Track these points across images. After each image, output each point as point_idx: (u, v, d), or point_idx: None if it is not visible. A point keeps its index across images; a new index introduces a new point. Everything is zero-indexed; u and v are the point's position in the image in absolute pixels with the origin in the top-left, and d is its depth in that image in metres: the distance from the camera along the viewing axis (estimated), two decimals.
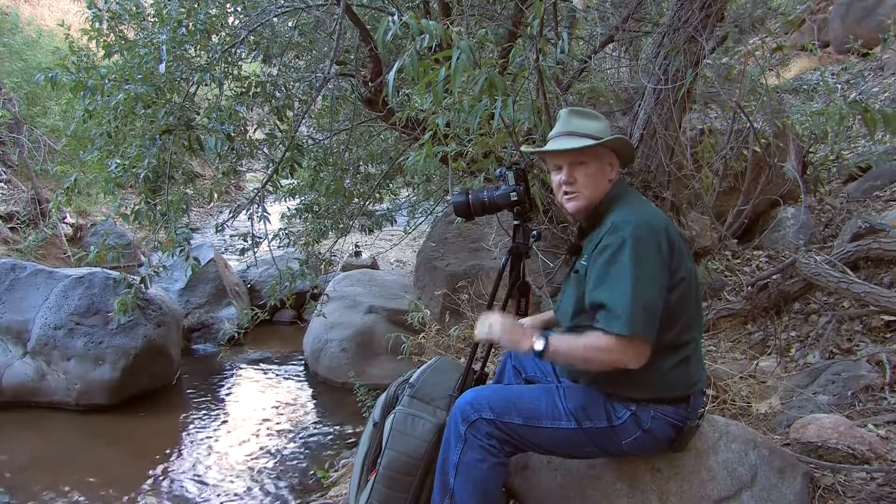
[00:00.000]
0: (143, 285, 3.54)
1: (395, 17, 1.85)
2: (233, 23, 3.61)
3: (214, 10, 3.31)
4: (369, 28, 3.46)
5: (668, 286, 1.58)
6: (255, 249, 3.85)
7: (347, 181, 4.42)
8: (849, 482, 1.94)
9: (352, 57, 3.76)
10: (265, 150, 3.80)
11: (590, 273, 1.61)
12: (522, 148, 1.88)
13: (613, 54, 4.79)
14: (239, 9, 3.63)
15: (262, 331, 5.69)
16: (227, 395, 4.91)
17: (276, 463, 3.86)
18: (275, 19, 3.66)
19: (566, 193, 1.72)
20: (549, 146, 1.74)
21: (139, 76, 3.02)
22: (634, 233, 1.54)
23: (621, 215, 1.61)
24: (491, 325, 1.68)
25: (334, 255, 6.15)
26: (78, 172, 3.56)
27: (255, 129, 4.08)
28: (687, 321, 1.64)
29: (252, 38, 3.57)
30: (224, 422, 4.42)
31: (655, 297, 1.54)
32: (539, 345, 1.59)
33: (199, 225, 9.99)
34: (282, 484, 3.62)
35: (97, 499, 3.43)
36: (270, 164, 3.72)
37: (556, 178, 1.74)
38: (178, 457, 3.90)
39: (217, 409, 4.61)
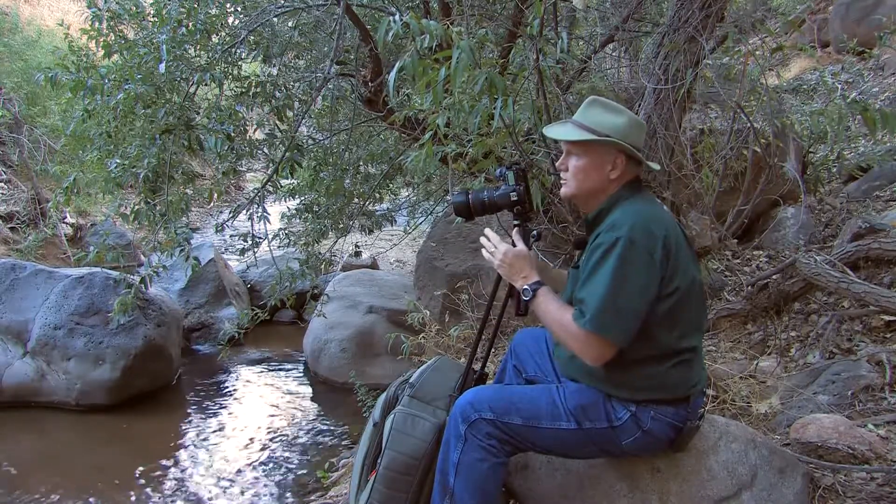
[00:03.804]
0: (142, 285, 3.53)
1: (396, 17, 1.85)
2: (233, 23, 3.60)
3: (214, 10, 3.31)
4: (369, 28, 3.45)
5: (660, 294, 1.56)
6: (255, 249, 3.84)
7: (347, 181, 4.41)
8: (849, 482, 1.94)
9: (352, 57, 3.76)
10: (265, 150, 3.79)
11: (582, 270, 1.62)
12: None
13: (613, 54, 4.79)
14: (239, 9, 3.62)
15: (262, 331, 5.69)
16: (226, 395, 4.90)
17: (276, 463, 3.86)
18: (275, 19, 3.65)
19: (560, 177, 1.77)
20: (552, 129, 1.78)
21: (139, 76, 3.02)
22: (629, 234, 1.53)
23: (623, 215, 1.60)
24: (499, 252, 1.76)
25: (334, 255, 6.15)
26: (78, 172, 3.55)
27: (255, 129, 4.07)
28: (685, 327, 1.63)
29: (252, 38, 3.57)
30: (224, 422, 4.42)
31: (634, 302, 1.53)
32: (525, 294, 1.69)
33: (199, 225, 9.98)
34: (282, 484, 3.62)
35: (97, 499, 3.43)
36: (270, 164, 3.72)
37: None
38: (177, 457, 3.90)
39: (217, 410, 4.61)
